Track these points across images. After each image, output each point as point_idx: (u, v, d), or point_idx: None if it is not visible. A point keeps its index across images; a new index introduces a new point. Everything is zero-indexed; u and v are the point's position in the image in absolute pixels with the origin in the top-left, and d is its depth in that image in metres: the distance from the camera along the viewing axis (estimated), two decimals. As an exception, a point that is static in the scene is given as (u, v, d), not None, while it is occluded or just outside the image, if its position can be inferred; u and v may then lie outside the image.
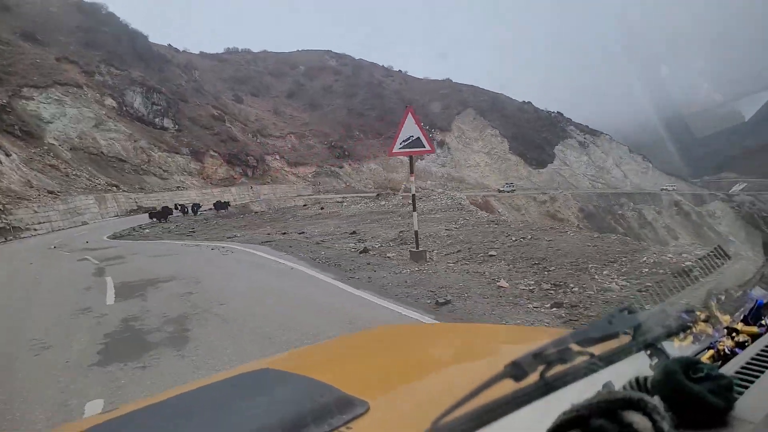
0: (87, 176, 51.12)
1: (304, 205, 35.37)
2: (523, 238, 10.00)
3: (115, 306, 7.81)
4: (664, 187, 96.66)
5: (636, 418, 0.60)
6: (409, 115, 8.63)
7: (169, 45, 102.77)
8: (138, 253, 16.36)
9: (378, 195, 27.25)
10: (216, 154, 73.46)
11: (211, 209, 47.64)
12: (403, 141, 8.63)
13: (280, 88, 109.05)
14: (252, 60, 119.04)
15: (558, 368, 0.82)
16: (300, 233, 17.07)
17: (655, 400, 0.64)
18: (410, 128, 8.62)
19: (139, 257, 14.98)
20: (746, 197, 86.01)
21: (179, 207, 46.96)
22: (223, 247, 14.81)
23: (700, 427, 0.67)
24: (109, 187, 52.52)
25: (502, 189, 79.34)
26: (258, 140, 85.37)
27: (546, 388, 0.81)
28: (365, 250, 10.63)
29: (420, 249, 9.01)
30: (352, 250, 11.56)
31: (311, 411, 0.97)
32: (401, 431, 0.97)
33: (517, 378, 0.75)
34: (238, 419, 1.01)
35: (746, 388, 0.78)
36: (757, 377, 0.82)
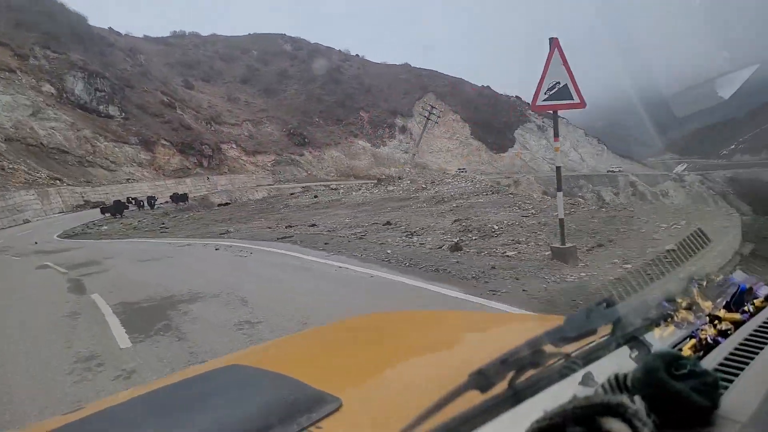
0: (26, 169, 45.70)
1: (292, 194, 31.65)
2: (677, 225, 7.62)
3: (137, 351, 4.89)
4: (611, 169, 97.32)
5: (615, 425, 0.56)
6: (556, 50, 6.01)
7: (110, 28, 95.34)
8: (113, 256, 13.09)
9: (379, 180, 24.54)
10: (168, 144, 68.35)
11: (167, 202, 43.58)
12: (548, 90, 6.04)
13: (232, 74, 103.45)
14: (201, 44, 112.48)
15: (530, 373, 0.76)
16: (311, 226, 14.21)
17: (636, 403, 0.60)
18: (556, 70, 6.02)
19: (120, 262, 11.78)
20: (695, 177, 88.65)
21: (133, 201, 42.65)
22: (230, 246, 11.81)
23: (684, 427, 0.64)
24: (52, 181, 47.24)
25: (453, 174, 76.93)
26: (212, 128, 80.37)
27: (516, 397, 0.75)
28: (457, 248, 7.96)
29: (567, 245, 6.45)
30: (422, 245, 8.91)
31: (279, 409, 0.93)
32: (374, 430, 0.93)
33: (483, 388, 0.69)
34: (202, 418, 0.96)
35: (730, 382, 0.74)
36: (741, 369, 0.78)
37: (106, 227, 26.12)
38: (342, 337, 1.76)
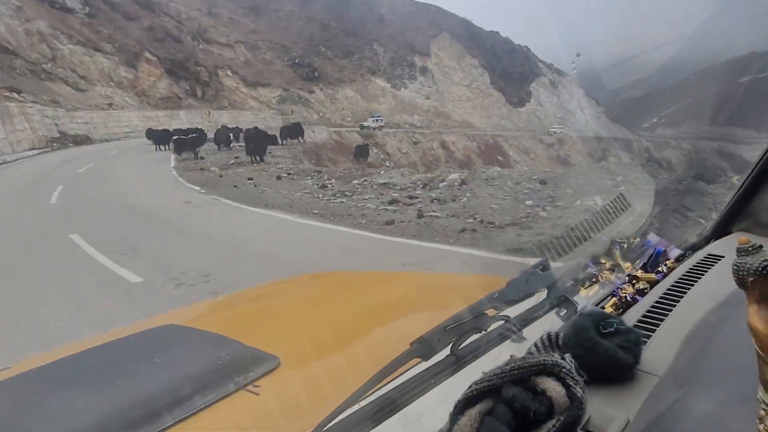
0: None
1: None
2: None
3: None
4: (552, 129, 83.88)
5: (549, 385, 0.59)
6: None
7: None
8: None
9: None
10: (154, 59, 48.33)
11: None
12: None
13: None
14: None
15: (472, 337, 0.79)
16: None
17: (568, 361, 0.64)
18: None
19: None
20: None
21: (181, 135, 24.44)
22: None
23: (610, 381, 0.69)
24: (7, 93, 27.73)
25: (366, 125, 56.00)
26: (201, 46, 60.08)
27: (458, 363, 0.76)
28: None
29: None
30: None
31: (215, 369, 0.92)
32: (312, 389, 0.92)
33: (426, 356, 0.71)
34: (137, 379, 0.95)
35: (647, 338, 0.80)
36: (657, 326, 0.85)
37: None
38: (284, 297, 1.69)
